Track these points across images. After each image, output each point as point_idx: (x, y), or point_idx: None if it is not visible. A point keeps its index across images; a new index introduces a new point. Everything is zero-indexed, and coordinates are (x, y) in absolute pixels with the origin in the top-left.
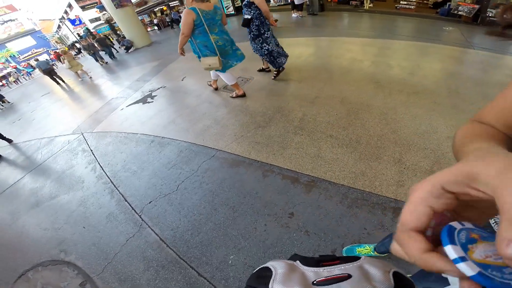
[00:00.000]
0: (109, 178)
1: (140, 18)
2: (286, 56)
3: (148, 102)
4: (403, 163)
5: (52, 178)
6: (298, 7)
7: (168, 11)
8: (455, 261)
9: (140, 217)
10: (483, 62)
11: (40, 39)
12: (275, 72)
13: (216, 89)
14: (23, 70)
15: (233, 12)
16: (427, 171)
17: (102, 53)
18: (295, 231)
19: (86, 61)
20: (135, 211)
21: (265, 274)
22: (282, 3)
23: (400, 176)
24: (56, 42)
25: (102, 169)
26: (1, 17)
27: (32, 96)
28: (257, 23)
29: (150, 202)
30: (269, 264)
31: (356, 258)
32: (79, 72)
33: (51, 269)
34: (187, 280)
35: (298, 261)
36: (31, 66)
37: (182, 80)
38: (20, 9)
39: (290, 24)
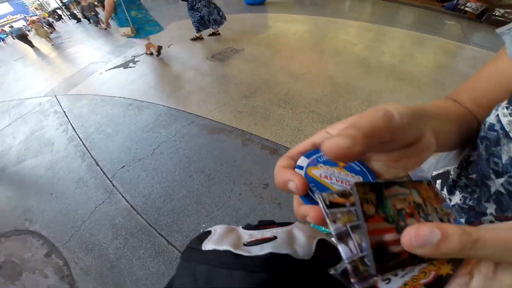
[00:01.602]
0: (81, 140)
1: None
2: (219, 23)
3: (130, 67)
4: None
5: (20, 140)
6: None
7: None
8: (296, 166)
9: (111, 183)
10: (476, 58)
11: (18, 5)
12: (213, 33)
13: (151, 54)
14: None
15: None
16: None
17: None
18: (269, 203)
19: (67, 27)
20: (106, 176)
21: (204, 236)
22: None
23: None
24: (36, 8)
25: (75, 130)
26: None
27: (3, 61)
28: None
29: (123, 167)
30: (212, 228)
31: (290, 223)
32: (46, 39)
33: (15, 240)
34: (156, 248)
35: (240, 226)
36: (5, 32)
37: (169, 47)
38: None
39: (290, 1)
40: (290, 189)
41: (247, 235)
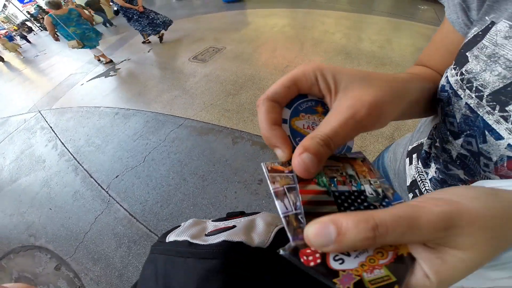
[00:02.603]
0: (72, 154)
1: None
2: (161, 26)
3: (111, 76)
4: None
5: (11, 160)
6: None
7: None
8: (283, 121)
9: (107, 193)
10: None
11: None
12: (159, 37)
13: (103, 61)
14: None
15: None
16: (388, 137)
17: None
18: (265, 198)
19: (40, 39)
20: (101, 187)
21: (172, 229)
22: None
23: (362, 142)
24: (2, 22)
25: (64, 145)
26: None
27: None
28: (122, 12)
29: (116, 177)
30: (183, 222)
31: (257, 213)
32: (14, 52)
33: (24, 255)
34: None
35: (210, 219)
36: None
37: (148, 52)
38: None
39: None
40: (275, 152)
41: (212, 226)
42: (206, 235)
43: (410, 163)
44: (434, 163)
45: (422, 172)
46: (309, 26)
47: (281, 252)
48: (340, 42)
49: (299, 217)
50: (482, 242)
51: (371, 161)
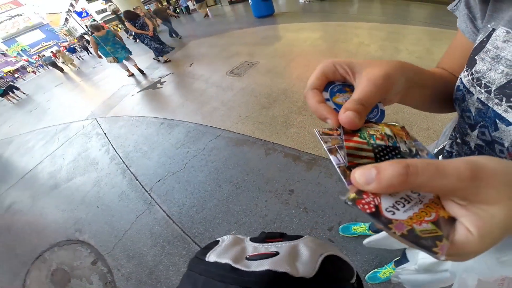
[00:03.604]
0: (121, 158)
1: (146, 8)
2: (166, 51)
3: (158, 88)
4: None
5: (69, 161)
6: None
7: None
8: (326, 100)
9: (150, 195)
10: None
11: (49, 32)
12: (166, 59)
13: (131, 75)
14: (36, 62)
15: None
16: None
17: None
18: (295, 208)
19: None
20: (145, 189)
21: (212, 246)
22: None
23: None
24: (64, 34)
25: (115, 150)
26: (8, 13)
27: (46, 87)
28: (136, 37)
29: (159, 181)
30: (221, 238)
31: (299, 237)
32: (69, 65)
33: (66, 249)
34: (191, 255)
35: (248, 237)
36: (40, 59)
37: (190, 66)
38: (25, 4)
39: (298, 10)
40: (327, 122)
41: (252, 247)
42: (247, 258)
43: None
44: None
45: None
46: (342, 39)
47: (343, 199)
48: (376, 54)
49: (350, 167)
50: (507, 197)
51: None
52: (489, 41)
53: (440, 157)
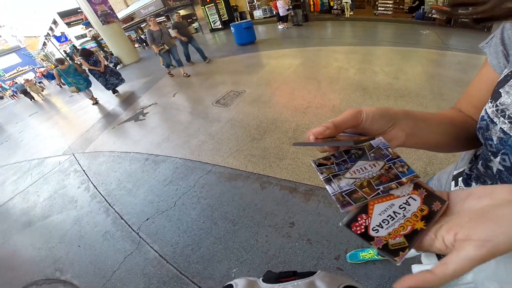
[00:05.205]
0: (103, 197)
1: (127, 34)
2: (111, 86)
3: (140, 120)
4: None
5: (44, 198)
6: (283, 19)
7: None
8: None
9: (138, 235)
10: (461, 62)
11: (25, 56)
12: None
13: (96, 103)
14: (10, 88)
15: (220, 26)
16: (422, 172)
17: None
18: (297, 240)
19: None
20: (132, 228)
21: None
22: (268, 16)
23: None
24: (42, 59)
25: (96, 188)
26: None
27: (19, 116)
28: (89, 72)
29: (147, 219)
30: (233, 281)
31: (312, 273)
32: (39, 95)
33: None
34: None
35: (260, 278)
36: (14, 85)
37: (174, 96)
38: (4, 26)
39: (277, 37)
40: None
41: None
42: None
43: (456, 185)
44: (475, 182)
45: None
46: (322, 64)
47: (340, 224)
48: (355, 78)
49: (343, 193)
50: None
51: None
52: None
53: (460, 179)
